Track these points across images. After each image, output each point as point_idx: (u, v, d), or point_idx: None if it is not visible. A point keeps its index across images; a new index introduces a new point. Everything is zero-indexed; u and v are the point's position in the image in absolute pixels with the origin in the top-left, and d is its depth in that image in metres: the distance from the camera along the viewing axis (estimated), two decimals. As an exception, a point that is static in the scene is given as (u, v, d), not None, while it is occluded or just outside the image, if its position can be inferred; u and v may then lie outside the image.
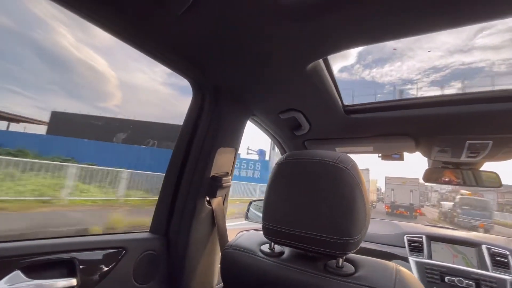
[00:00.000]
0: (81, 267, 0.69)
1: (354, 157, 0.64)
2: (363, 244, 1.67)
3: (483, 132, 0.98)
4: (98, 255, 0.74)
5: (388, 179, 19.85)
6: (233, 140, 1.03)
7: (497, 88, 0.85)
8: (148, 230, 0.96)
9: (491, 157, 1.15)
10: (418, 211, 18.05)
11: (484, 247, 1.46)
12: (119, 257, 0.78)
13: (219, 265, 0.94)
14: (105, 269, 0.74)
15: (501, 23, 0.55)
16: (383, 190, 24.66)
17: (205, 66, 0.82)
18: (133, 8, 0.59)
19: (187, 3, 0.53)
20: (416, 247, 1.58)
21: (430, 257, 1.52)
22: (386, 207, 19.15)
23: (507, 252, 1.41)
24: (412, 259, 1.53)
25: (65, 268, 0.67)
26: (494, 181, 1.38)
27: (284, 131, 1.33)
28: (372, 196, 22.59)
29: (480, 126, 0.95)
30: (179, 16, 0.58)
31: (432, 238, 1.60)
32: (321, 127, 1.22)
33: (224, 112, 0.96)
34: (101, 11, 0.59)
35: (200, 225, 0.94)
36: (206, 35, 0.66)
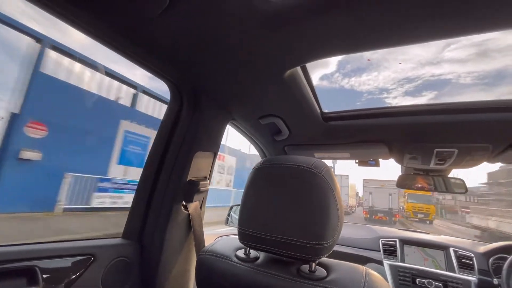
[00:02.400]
0: (44, 276, 0.65)
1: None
2: (340, 248, 1.71)
3: (449, 141, 1.04)
4: (63, 262, 0.70)
5: (366, 182, 19.34)
6: (211, 144, 1.03)
7: (461, 100, 0.92)
8: (120, 236, 0.92)
9: (457, 164, 1.22)
10: (397, 215, 17.70)
11: (451, 249, 1.55)
12: (87, 264, 0.75)
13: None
14: (71, 277, 0.71)
15: (466, 38, 0.59)
16: (361, 194, 24.44)
17: (183, 69, 0.81)
18: (108, 9, 0.57)
19: (163, 5, 0.53)
20: (390, 251, 1.63)
21: (403, 260, 1.58)
22: (364, 213, 18.62)
23: (472, 255, 1.50)
24: (386, 262, 1.58)
25: (25, 277, 0.63)
26: (461, 187, 1.47)
27: (264, 136, 1.34)
28: (351, 201, 22.69)
29: (446, 135, 1.01)
30: (156, 18, 0.58)
31: (405, 241, 1.67)
32: (300, 133, 1.24)
33: (203, 116, 0.95)
34: (76, 12, 0.58)
35: (175, 230, 0.92)
36: (183, 38, 0.65)
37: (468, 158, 1.12)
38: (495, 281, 1.35)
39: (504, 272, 1.29)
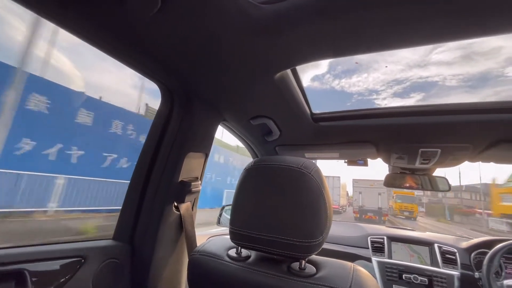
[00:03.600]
0: (33, 279, 0.64)
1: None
2: (330, 246, 1.75)
3: (433, 141, 1.09)
4: (52, 265, 0.69)
5: (355, 182, 19.39)
6: (203, 144, 1.03)
7: (446, 101, 0.96)
8: (111, 238, 0.91)
9: (441, 163, 1.27)
10: (386, 215, 17.68)
11: (436, 245, 1.61)
12: (77, 266, 0.74)
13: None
14: (61, 280, 0.70)
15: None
16: (351, 193, 24.36)
17: (174, 70, 0.81)
18: (99, 11, 0.57)
19: (155, 7, 0.54)
20: (378, 248, 1.68)
21: (390, 257, 1.63)
22: (355, 212, 18.59)
23: (455, 250, 1.56)
24: (374, 259, 1.63)
25: (14, 280, 0.62)
26: (445, 185, 1.53)
27: (255, 137, 1.35)
28: (342, 201, 22.90)
29: (430, 135, 1.06)
30: (147, 20, 0.58)
31: (392, 238, 1.72)
32: (291, 133, 1.26)
33: (194, 117, 0.95)
34: (65, 14, 0.58)
35: (167, 231, 0.92)
36: (174, 40, 0.66)
37: (451, 157, 1.17)
38: (477, 274, 1.41)
39: (484, 266, 1.35)
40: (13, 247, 0.66)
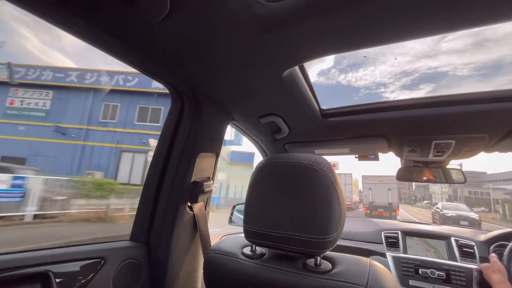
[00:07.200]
0: (57, 280, 0.66)
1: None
2: (343, 242, 1.73)
3: (447, 133, 1.06)
4: (75, 266, 0.72)
5: (365, 178, 19.13)
6: (213, 144, 1.04)
7: (457, 92, 0.94)
8: (128, 239, 0.94)
9: (455, 155, 1.24)
10: (396, 210, 17.38)
11: (452, 239, 1.57)
12: (98, 267, 0.76)
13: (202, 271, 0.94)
14: (83, 280, 0.72)
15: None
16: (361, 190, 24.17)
17: (183, 72, 0.82)
18: (108, 17, 0.58)
19: (164, 11, 0.54)
20: (392, 243, 1.66)
21: (405, 252, 1.60)
22: (365, 209, 18.36)
23: (473, 243, 1.52)
24: (389, 254, 1.60)
25: (40, 282, 0.64)
26: (460, 177, 1.50)
27: (264, 135, 1.35)
28: (354, 197, 22.67)
29: (443, 127, 1.03)
30: (156, 24, 0.59)
31: (406, 233, 1.69)
32: (300, 130, 1.26)
33: (204, 117, 0.96)
34: (75, 20, 0.58)
35: (182, 231, 0.94)
36: (182, 42, 0.66)
37: (466, 148, 1.15)
38: None
39: (505, 258, 1.31)
40: (38, 249, 0.68)
